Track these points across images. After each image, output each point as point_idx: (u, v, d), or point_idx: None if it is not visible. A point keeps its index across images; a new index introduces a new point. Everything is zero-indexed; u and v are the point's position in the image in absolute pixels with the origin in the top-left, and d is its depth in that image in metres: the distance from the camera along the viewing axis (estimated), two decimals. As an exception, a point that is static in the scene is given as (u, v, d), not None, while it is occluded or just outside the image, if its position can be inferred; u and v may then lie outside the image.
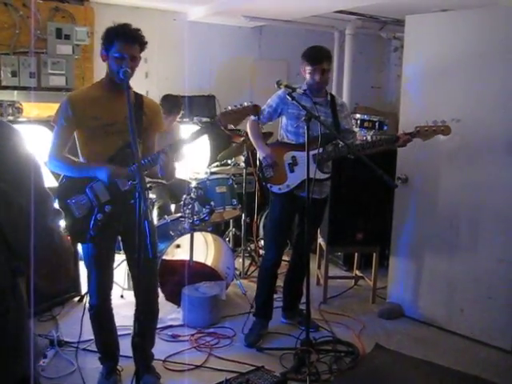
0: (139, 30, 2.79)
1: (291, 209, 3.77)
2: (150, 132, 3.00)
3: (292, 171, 3.69)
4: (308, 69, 3.61)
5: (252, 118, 3.77)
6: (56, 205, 2.87)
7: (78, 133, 2.86)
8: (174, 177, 3.10)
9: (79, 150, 2.90)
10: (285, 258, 4.13)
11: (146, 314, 3.02)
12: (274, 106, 3.72)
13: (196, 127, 5.64)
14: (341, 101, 3.87)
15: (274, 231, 3.85)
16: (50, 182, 3.61)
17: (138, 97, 2.95)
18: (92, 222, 2.80)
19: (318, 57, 3.61)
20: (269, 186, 3.74)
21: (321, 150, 3.61)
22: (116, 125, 2.80)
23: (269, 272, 3.89)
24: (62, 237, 1.38)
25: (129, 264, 3.21)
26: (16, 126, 1.36)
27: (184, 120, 5.62)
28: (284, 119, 3.74)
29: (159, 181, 4.62)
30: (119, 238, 3.10)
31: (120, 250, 3.16)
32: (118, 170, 2.77)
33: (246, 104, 2.97)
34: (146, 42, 2.81)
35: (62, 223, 2.91)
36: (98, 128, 2.80)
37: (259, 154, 3.80)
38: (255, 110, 2.99)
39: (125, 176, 2.77)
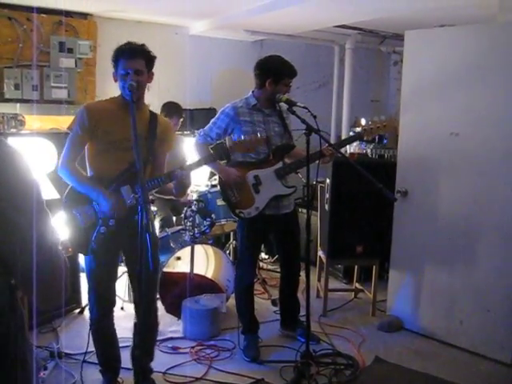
0: (143, 45, 2.84)
1: (261, 229, 3.74)
2: (161, 151, 3.02)
3: (257, 192, 3.61)
4: (286, 82, 3.58)
5: (197, 140, 3.69)
6: (62, 215, 2.90)
7: (90, 148, 2.89)
8: (186, 194, 3.13)
9: (88, 162, 2.93)
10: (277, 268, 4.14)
11: (145, 326, 3.02)
12: (223, 126, 3.61)
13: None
14: (285, 107, 3.66)
15: (249, 254, 3.81)
16: (52, 194, 3.64)
17: (153, 116, 2.98)
18: (95, 234, 2.82)
19: (295, 71, 3.61)
20: (238, 211, 3.61)
21: (280, 164, 3.64)
22: (127, 141, 2.81)
23: (248, 292, 3.90)
24: (60, 255, 1.38)
25: (130, 277, 3.22)
26: (18, 139, 1.37)
27: (185, 133, 5.65)
28: (236, 138, 3.64)
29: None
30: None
31: (122, 263, 3.17)
32: (120, 206, 2.80)
33: (258, 135, 3.02)
34: (154, 57, 2.86)
35: (64, 235, 2.94)
36: (109, 143, 2.83)
37: (223, 178, 3.62)
38: (266, 141, 3.03)
39: (124, 213, 2.80)
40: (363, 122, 3.67)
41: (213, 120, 3.70)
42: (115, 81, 2.87)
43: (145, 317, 2.99)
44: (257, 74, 3.65)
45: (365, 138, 3.67)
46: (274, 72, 3.57)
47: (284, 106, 3.62)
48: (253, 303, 3.94)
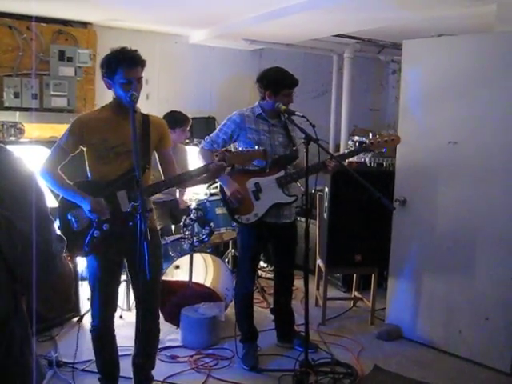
0: (136, 50, 2.82)
1: (261, 236, 3.74)
2: (163, 148, 3.05)
3: (257, 199, 3.63)
4: (286, 92, 3.60)
5: (203, 146, 3.71)
6: (57, 217, 2.90)
7: (88, 154, 2.90)
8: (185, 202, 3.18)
9: (88, 169, 2.94)
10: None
11: (146, 335, 3.03)
12: (229, 132, 3.64)
13: (197, 149, 5.68)
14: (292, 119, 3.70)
15: (248, 262, 3.81)
16: (50, 202, 3.64)
17: (145, 117, 2.98)
18: (88, 238, 2.83)
19: (296, 81, 3.64)
20: (236, 217, 3.64)
21: (283, 172, 3.65)
22: (124, 146, 2.83)
23: (248, 300, 3.90)
24: (65, 263, 1.39)
25: (132, 285, 3.22)
26: (17, 147, 1.37)
27: (185, 141, 5.66)
28: (241, 145, 3.62)
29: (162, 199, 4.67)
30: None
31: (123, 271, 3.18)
32: (100, 204, 2.80)
33: (256, 148, 3.03)
34: (145, 61, 2.83)
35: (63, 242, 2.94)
36: (107, 149, 2.84)
37: (225, 189, 3.63)
38: (264, 154, 3.03)
39: (105, 211, 2.80)
40: (371, 135, 3.68)
41: (219, 127, 3.74)
42: (109, 88, 2.85)
43: (145, 324, 2.99)
44: (258, 87, 3.70)
45: (376, 151, 3.70)
46: (272, 84, 3.61)
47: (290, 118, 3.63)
48: (252, 312, 3.93)
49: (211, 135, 3.73)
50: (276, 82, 3.61)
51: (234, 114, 3.70)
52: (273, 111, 3.66)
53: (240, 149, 2.99)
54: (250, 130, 3.62)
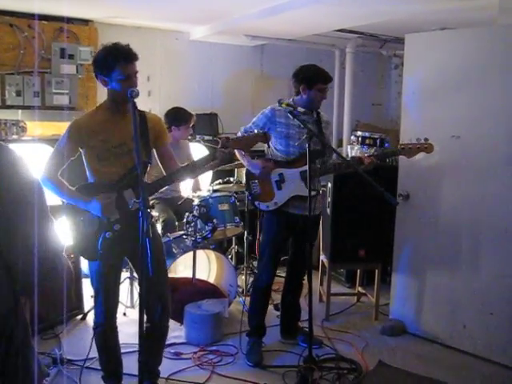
0: (128, 45, 2.80)
1: (285, 227, 3.78)
2: (161, 144, 3.03)
3: (279, 188, 3.71)
4: (320, 87, 3.67)
5: (237, 135, 3.75)
6: (66, 221, 2.90)
7: (88, 156, 2.88)
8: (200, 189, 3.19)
9: (88, 170, 2.92)
10: (280, 273, 4.19)
11: (154, 331, 3.03)
12: (260, 125, 3.71)
13: (199, 145, 5.68)
14: (326, 118, 3.90)
15: (270, 250, 3.82)
16: (53, 200, 3.64)
17: (141, 114, 2.96)
18: (101, 240, 2.82)
19: (330, 77, 3.74)
20: (256, 203, 3.76)
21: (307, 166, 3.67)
22: (124, 145, 2.83)
23: (264, 292, 3.89)
24: (65, 262, 1.39)
25: (139, 283, 3.22)
26: (19, 146, 1.38)
27: (188, 137, 5.65)
28: (272, 138, 3.69)
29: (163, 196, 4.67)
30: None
31: (125, 267, 3.17)
32: (109, 205, 2.79)
33: (256, 132, 3.04)
34: (138, 55, 2.81)
35: (68, 241, 2.94)
36: (107, 150, 2.83)
37: (252, 170, 3.76)
38: (265, 137, 3.05)
39: (115, 212, 2.80)
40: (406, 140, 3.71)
41: (253, 119, 3.82)
42: (105, 85, 2.82)
43: (154, 320, 3.02)
44: (293, 82, 3.79)
45: (407, 157, 3.75)
46: (307, 78, 3.69)
47: (324, 116, 3.81)
48: (266, 307, 3.92)
49: (246, 126, 3.81)
50: (310, 76, 3.69)
51: (267, 108, 3.78)
52: (310, 107, 3.72)
53: (240, 134, 3.00)
54: (280, 124, 3.68)
